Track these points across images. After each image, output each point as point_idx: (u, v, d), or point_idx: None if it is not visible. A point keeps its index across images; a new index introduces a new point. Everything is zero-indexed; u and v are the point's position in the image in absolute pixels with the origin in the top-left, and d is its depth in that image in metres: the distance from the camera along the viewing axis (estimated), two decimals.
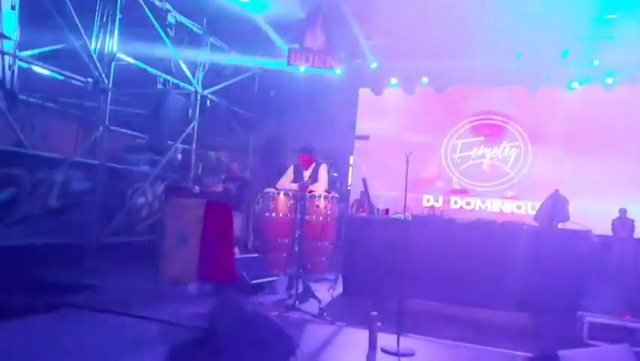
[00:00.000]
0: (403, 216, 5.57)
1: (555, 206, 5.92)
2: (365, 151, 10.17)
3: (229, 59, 9.21)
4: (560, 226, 5.90)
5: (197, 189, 6.22)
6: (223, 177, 7.78)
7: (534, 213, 6.83)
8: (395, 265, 5.16)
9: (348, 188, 10.42)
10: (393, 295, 4.29)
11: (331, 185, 6.52)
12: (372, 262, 5.77)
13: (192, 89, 8.63)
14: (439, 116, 9.74)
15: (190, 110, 8.56)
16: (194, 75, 8.61)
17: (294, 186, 5.65)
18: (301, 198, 5.30)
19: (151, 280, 5.22)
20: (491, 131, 9.55)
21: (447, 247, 5.60)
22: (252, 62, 9.53)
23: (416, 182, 9.26)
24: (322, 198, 5.53)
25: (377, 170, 9.43)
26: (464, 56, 8.39)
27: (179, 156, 8.35)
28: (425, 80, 9.35)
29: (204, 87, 8.92)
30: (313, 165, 5.93)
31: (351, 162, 10.64)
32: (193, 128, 8.59)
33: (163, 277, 5.14)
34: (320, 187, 5.73)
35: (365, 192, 7.14)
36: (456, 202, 9.49)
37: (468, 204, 9.41)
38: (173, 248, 5.12)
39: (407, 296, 5.03)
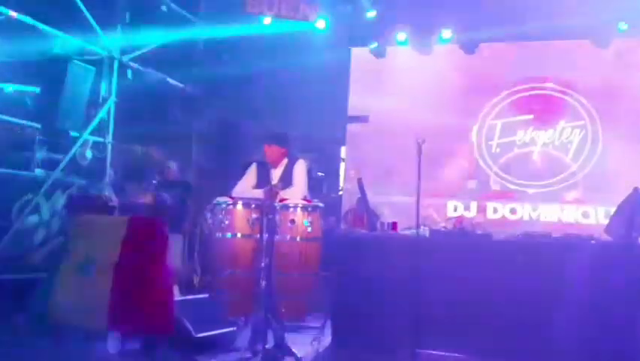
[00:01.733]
0: (417, 233, 5.63)
1: (635, 212, 6.00)
2: (363, 139, 10.20)
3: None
4: None
5: (115, 200, 6.23)
6: (155, 182, 7.82)
7: (606, 222, 6.90)
8: (406, 304, 5.22)
9: (339, 193, 10.43)
10: (404, 346, 4.33)
11: (313, 190, 6.54)
12: (373, 300, 5.83)
13: (105, 53, 8.60)
14: (468, 85, 9.78)
15: (103, 86, 8.51)
16: (108, 33, 8.55)
17: (258, 192, 5.65)
18: (268, 210, 5.32)
19: (49, 333, 5.20)
20: (544, 106, 9.62)
21: (480, 276, 5.64)
22: (196, 32, 9.57)
23: (438, 182, 9.27)
24: (299, 209, 5.52)
25: (380, 166, 9.43)
26: None
27: (89, 153, 8.30)
28: (447, 33, 9.39)
29: (124, 51, 8.88)
30: (285, 161, 5.93)
31: (342, 154, 10.66)
32: (108, 112, 8.56)
33: (59, 325, 5.16)
34: (296, 193, 5.73)
35: (362, 199, 7.22)
36: (495, 210, 9.54)
37: (513, 212, 9.48)
38: (77, 285, 5.14)
39: (422, 347, 5.13)
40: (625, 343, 5.30)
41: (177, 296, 6.80)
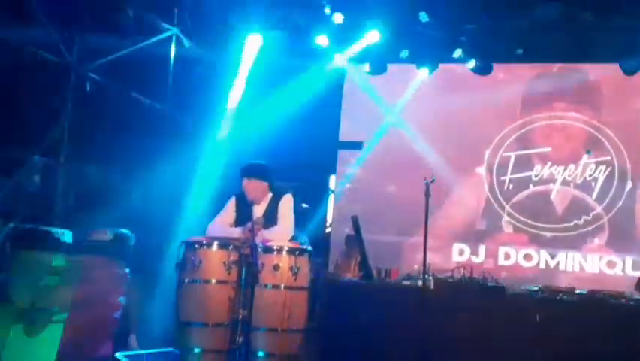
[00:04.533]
0: (420, 282, 5.56)
1: None
2: (355, 168, 10.25)
3: None
4: None
5: (67, 236, 6.13)
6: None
7: (637, 275, 6.88)
8: None
9: (327, 230, 10.37)
10: None
11: (299, 227, 6.48)
12: None
13: (60, 61, 8.52)
14: (478, 111, 9.84)
15: (57, 99, 8.43)
16: (66, 40, 8.52)
17: (237, 232, 5.64)
18: (249, 252, 5.25)
19: None
20: (565, 138, 9.67)
21: (491, 337, 5.61)
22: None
23: (441, 221, 9.28)
24: (285, 252, 5.47)
25: (376, 202, 9.40)
26: (521, 11, 8.54)
27: (36, 178, 8.21)
28: (459, 52, 9.40)
29: (82, 60, 8.82)
30: (269, 196, 5.92)
31: (332, 185, 10.63)
32: (63, 129, 8.49)
33: None
34: (282, 234, 5.73)
35: (357, 241, 7.17)
36: (507, 256, 9.56)
37: (527, 258, 9.49)
38: (18, 337, 5.02)
39: None
40: None
41: (135, 348, 6.68)
